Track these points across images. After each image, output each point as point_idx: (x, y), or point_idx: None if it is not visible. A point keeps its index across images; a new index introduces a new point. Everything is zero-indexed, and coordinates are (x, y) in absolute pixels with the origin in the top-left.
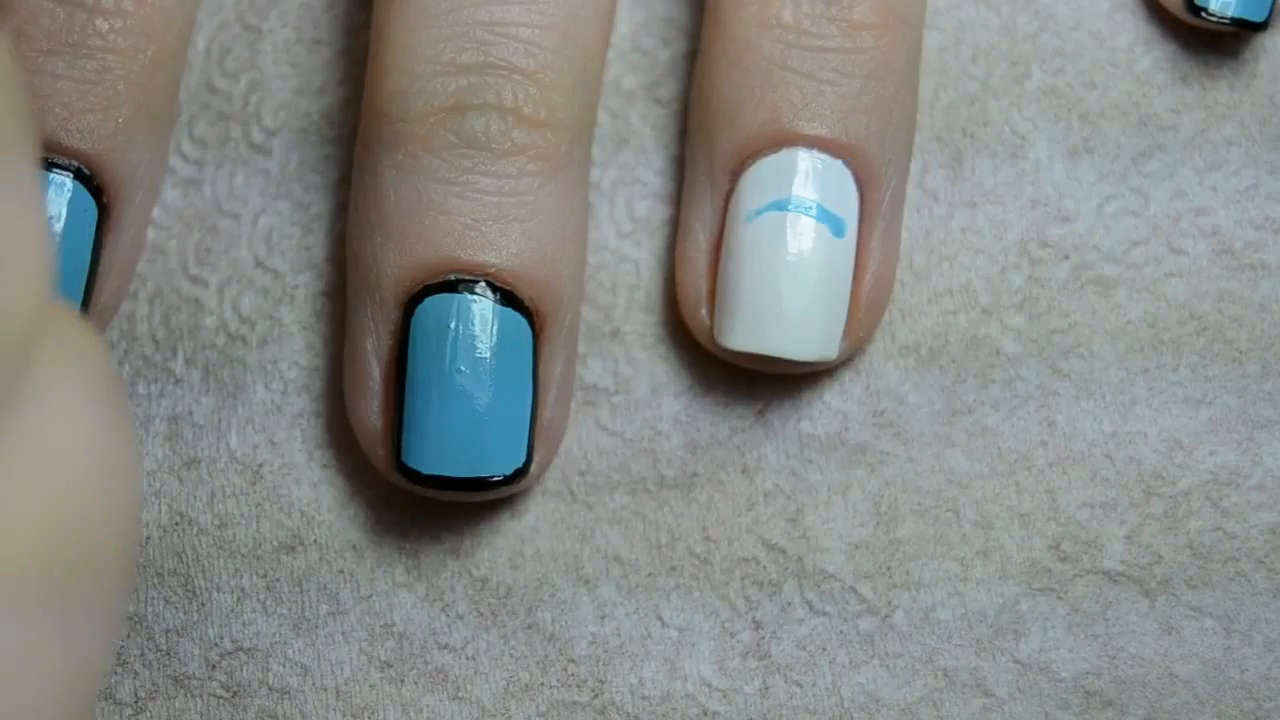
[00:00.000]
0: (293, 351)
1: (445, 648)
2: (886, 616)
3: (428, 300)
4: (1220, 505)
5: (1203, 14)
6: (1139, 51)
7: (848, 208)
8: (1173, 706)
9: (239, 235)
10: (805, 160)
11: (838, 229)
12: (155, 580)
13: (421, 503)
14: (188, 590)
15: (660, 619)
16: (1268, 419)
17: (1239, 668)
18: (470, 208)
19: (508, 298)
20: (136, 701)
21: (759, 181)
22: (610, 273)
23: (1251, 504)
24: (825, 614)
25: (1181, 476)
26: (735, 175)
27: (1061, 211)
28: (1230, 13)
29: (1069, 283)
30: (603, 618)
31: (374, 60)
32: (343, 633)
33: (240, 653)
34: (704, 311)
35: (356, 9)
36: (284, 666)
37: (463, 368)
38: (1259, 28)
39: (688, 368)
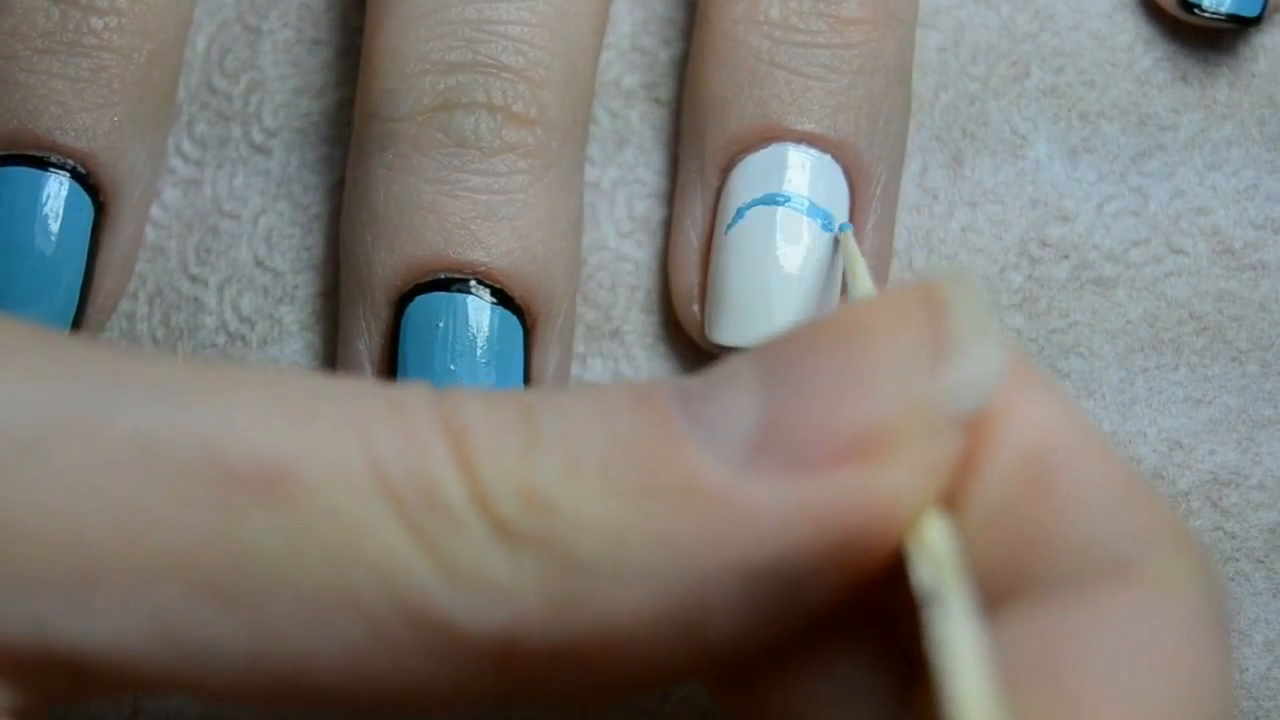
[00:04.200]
0: (293, 351)
1: None
2: None
3: (418, 299)
4: (1220, 505)
5: (1196, 10)
6: (1139, 51)
7: (838, 203)
8: None
9: (239, 235)
10: (795, 156)
11: (828, 224)
12: None
13: None
14: None
15: None
16: (1268, 419)
17: (1239, 668)
18: (460, 206)
19: (498, 296)
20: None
21: (749, 177)
22: (610, 273)
23: (1251, 504)
24: None
25: (1181, 476)
26: (725, 171)
27: (1061, 211)
28: (1224, 9)
29: (1069, 283)
30: None
31: (364, 60)
32: None
33: None
34: (695, 308)
35: (356, 9)
36: None
37: (453, 366)
38: (1253, 23)
39: (688, 368)
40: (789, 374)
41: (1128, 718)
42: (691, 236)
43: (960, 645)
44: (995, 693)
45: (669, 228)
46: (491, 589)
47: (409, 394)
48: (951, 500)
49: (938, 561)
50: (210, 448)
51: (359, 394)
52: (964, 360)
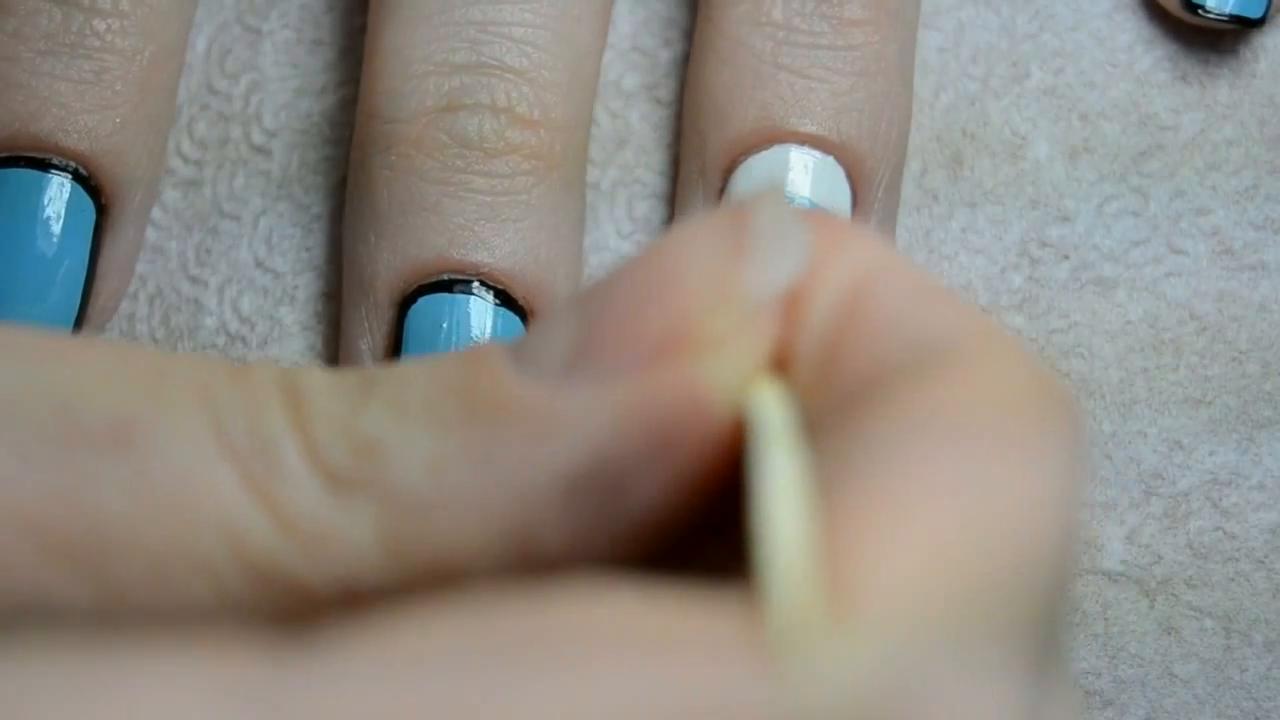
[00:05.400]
0: (293, 352)
1: None
2: None
3: (421, 300)
4: (1220, 505)
5: (1199, 11)
6: (1139, 51)
7: (840, 204)
8: (1173, 706)
9: (239, 236)
10: (797, 157)
11: None
12: None
13: None
14: None
15: None
16: (1268, 419)
17: (1239, 668)
18: (463, 207)
19: (501, 297)
20: None
21: (751, 179)
22: None
23: (1251, 504)
24: None
25: (1181, 476)
26: (727, 173)
27: (1061, 211)
28: (1227, 9)
29: (1069, 283)
30: None
31: (368, 61)
32: None
33: None
34: None
35: (357, 10)
36: None
37: None
38: (1256, 24)
39: None
40: (601, 297)
41: (941, 493)
42: None
43: (774, 481)
44: (806, 524)
45: (669, 228)
46: (328, 540)
47: (255, 365)
48: (782, 365)
49: (762, 421)
50: (61, 405)
51: (207, 362)
52: (764, 248)
